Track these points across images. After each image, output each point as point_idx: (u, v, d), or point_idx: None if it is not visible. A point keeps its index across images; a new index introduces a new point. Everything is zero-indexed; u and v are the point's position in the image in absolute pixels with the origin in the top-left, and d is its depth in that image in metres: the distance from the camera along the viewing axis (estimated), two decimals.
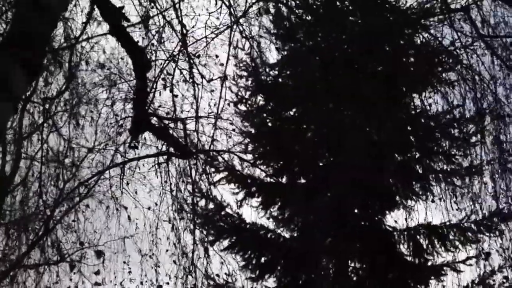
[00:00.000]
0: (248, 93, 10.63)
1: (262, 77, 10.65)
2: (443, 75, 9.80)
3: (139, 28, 7.84)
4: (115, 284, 9.28)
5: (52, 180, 8.73)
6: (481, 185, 9.44)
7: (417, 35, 9.91)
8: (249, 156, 10.43)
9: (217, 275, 8.54)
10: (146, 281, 8.92)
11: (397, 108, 10.21)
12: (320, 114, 10.16)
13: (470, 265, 9.62)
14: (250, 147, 10.54)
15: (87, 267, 9.65)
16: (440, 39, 9.26)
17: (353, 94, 9.51)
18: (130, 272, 9.29)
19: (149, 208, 9.07)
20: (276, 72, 10.81)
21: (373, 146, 9.52)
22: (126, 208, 9.23)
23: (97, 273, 9.24)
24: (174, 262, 8.49)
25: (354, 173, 9.16)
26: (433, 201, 9.99)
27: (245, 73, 10.44)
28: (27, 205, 9.61)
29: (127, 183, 8.79)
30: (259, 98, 10.78)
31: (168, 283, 8.62)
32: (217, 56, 7.99)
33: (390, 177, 10.10)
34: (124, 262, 9.22)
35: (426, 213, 10.07)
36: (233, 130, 9.84)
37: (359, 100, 9.53)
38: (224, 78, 7.80)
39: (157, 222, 8.42)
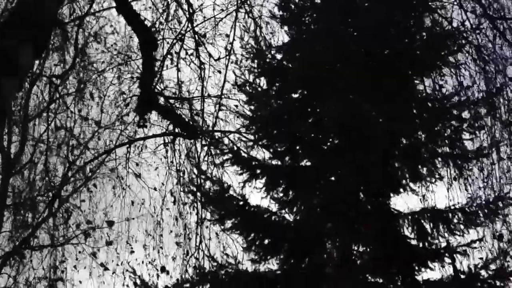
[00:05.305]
0: (252, 75, 10.54)
1: (267, 59, 10.57)
2: (451, 57, 9.71)
3: (149, 8, 7.76)
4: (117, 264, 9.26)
5: (58, 160, 8.66)
6: (488, 168, 9.40)
7: (426, 14, 9.80)
8: (253, 138, 10.37)
9: (227, 254, 8.50)
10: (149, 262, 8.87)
11: (401, 91, 10.11)
12: (321, 99, 10.09)
13: (475, 248, 9.61)
14: (254, 129, 10.47)
15: (90, 249, 9.61)
16: (449, 19, 9.14)
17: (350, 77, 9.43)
18: (132, 252, 9.23)
19: (154, 189, 9.01)
20: (281, 55, 10.73)
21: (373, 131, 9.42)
22: (126, 188, 9.11)
23: (109, 243, 9.21)
24: (177, 243, 8.45)
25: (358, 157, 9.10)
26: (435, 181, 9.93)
27: (250, 55, 10.36)
28: (33, 185, 9.53)
29: (137, 164, 8.70)
30: (263, 80, 10.70)
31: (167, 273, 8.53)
32: (227, 36, 7.92)
33: (394, 162, 10.05)
34: (127, 242, 9.16)
35: (431, 196, 10.06)
36: (237, 112, 9.79)
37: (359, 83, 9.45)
38: (229, 54, 7.72)
39: (161, 202, 8.35)
